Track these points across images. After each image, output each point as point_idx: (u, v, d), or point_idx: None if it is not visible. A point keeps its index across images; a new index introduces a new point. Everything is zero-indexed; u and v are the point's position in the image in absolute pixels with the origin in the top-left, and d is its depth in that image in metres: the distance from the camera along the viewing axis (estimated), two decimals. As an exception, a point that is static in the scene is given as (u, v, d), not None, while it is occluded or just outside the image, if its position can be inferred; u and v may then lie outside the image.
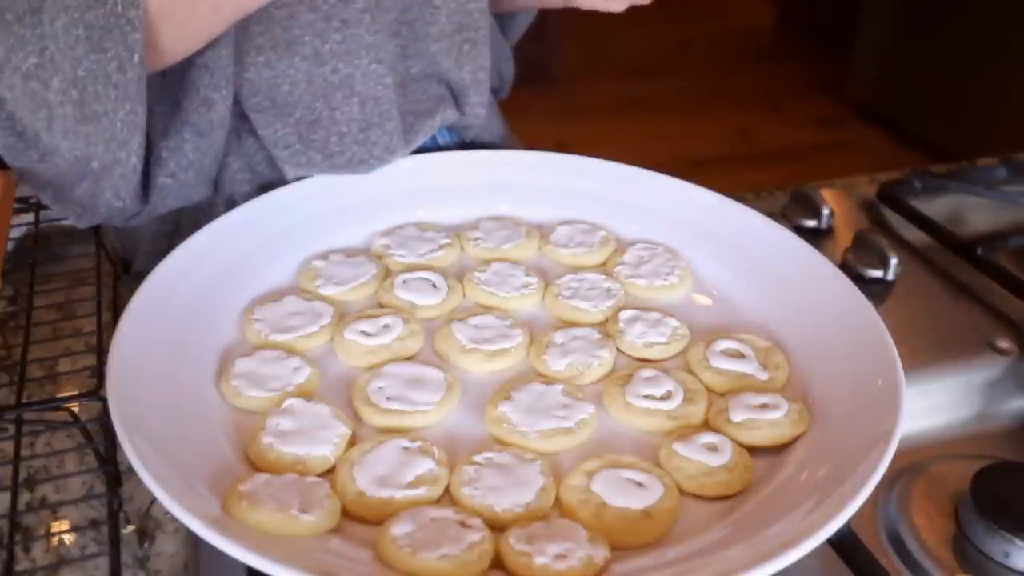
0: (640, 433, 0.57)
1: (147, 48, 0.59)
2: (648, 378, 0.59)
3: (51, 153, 0.61)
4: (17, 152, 0.62)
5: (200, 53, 0.66)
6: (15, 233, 0.72)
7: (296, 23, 0.70)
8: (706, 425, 0.57)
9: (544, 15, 0.97)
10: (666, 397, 0.58)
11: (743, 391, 0.58)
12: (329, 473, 0.52)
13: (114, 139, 0.60)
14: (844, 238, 0.82)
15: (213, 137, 0.69)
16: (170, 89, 0.68)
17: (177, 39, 0.61)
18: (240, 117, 0.72)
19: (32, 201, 0.74)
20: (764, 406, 0.56)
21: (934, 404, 0.68)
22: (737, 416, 0.55)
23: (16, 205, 0.70)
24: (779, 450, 0.55)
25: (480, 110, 0.82)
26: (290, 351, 0.60)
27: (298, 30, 0.70)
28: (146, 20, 0.58)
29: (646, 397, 0.57)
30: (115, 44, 0.57)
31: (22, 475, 0.57)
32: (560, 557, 0.45)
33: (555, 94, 3.20)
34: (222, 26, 0.63)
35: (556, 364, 0.60)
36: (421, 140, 0.78)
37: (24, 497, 0.56)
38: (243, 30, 0.69)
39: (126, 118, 0.60)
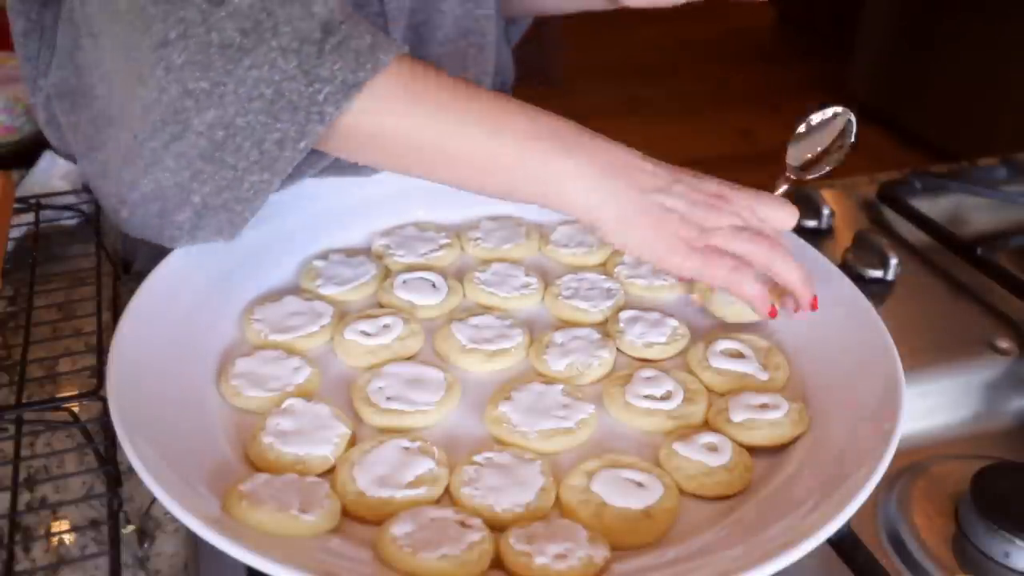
0: (640, 433, 0.57)
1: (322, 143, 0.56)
2: (648, 378, 0.59)
3: (140, 176, 0.59)
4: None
5: None
6: (15, 233, 0.72)
7: None
8: (706, 425, 0.57)
9: (543, 16, 0.97)
10: (666, 397, 0.58)
11: (743, 391, 0.58)
12: (329, 473, 0.52)
13: (233, 192, 0.57)
14: (844, 238, 0.82)
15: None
16: None
17: (350, 157, 0.59)
18: None
19: (32, 201, 0.74)
20: (764, 406, 0.56)
21: (934, 404, 0.68)
22: (737, 416, 0.55)
23: (16, 205, 0.70)
24: (779, 450, 0.55)
25: None
26: (290, 351, 0.60)
27: None
28: (342, 128, 0.55)
29: (646, 397, 0.57)
30: (291, 123, 0.54)
31: (22, 475, 0.57)
32: (560, 557, 0.45)
33: (555, 95, 3.20)
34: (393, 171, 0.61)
35: (556, 364, 0.60)
36: None
37: (24, 497, 0.56)
38: None
39: (257, 184, 0.57)
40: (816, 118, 0.67)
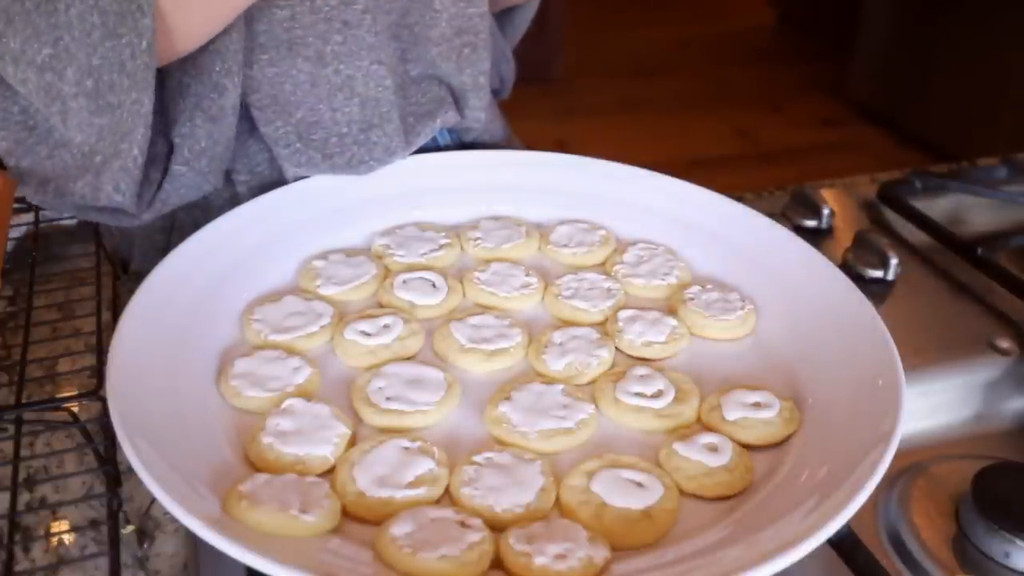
0: (640, 433, 0.57)
1: (160, 36, 0.58)
2: (642, 376, 0.59)
3: (61, 147, 0.61)
4: (27, 148, 0.61)
5: (211, 39, 0.65)
6: (15, 233, 0.72)
7: (298, 24, 0.70)
8: (699, 423, 0.57)
9: (544, 15, 0.97)
10: (657, 395, 0.58)
11: (733, 389, 0.58)
12: (329, 473, 0.52)
13: (119, 130, 0.60)
14: (844, 238, 0.82)
15: (225, 124, 0.69)
16: (181, 75, 0.68)
17: (188, 25, 0.61)
18: (242, 117, 0.72)
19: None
20: (757, 404, 0.56)
21: (934, 404, 0.68)
22: (731, 414, 0.55)
23: (16, 205, 0.70)
24: (779, 450, 0.55)
25: (480, 114, 0.82)
26: (290, 351, 0.60)
27: (300, 31, 0.70)
28: (157, 5, 0.57)
29: (636, 395, 0.57)
30: (128, 30, 0.56)
31: (22, 475, 0.57)
32: (560, 557, 0.45)
33: (555, 94, 3.20)
34: (233, 12, 0.63)
35: (555, 364, 0.60)
36: (421, 142, 0.78)
37: (24, 497, 0.56)
38: (247, 28, 0.69)
39: (132, 107, 0.59)
40: None
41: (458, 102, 0.81)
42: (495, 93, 0.93)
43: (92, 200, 0.63)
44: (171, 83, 0.67)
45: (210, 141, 0.68)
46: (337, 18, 0.70)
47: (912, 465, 0.61)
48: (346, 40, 0.71)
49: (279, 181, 0.74)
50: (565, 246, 0.73)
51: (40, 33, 0.56)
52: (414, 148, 0.78)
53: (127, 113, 0.59)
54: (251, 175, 0.75)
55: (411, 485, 0.50)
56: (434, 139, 0.84)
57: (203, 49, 0.66)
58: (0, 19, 0.56)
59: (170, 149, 0.68)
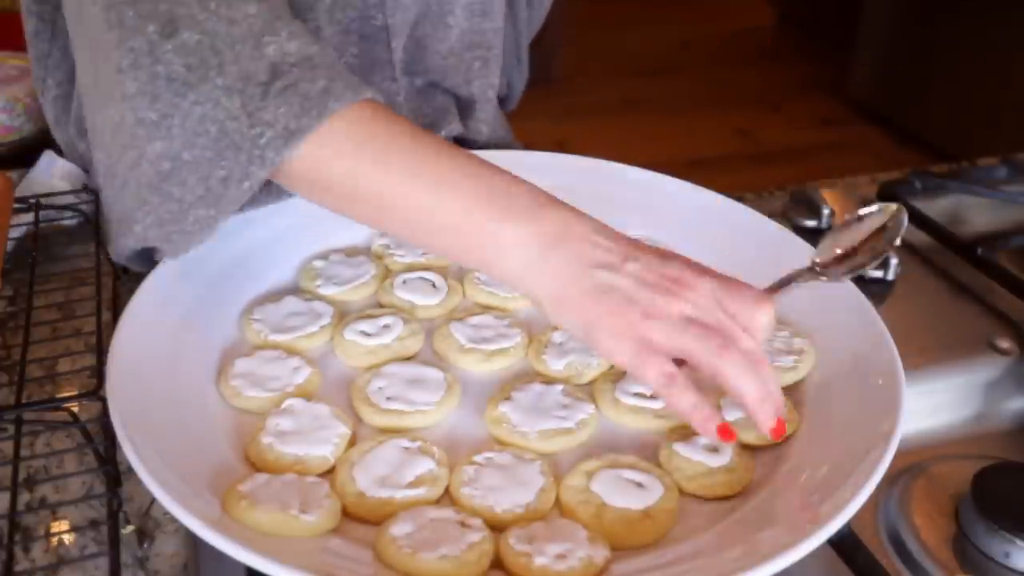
0: (640, 433, 0.57)
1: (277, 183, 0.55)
2: (642, 376, 0.59)
3: (118, 192, 0.58)
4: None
5: None
6: (15, 233, 0.72)
7: (319, 36, 0.69)
8: None
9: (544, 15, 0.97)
10: (655, 396, 0.57)
11: None
12: (329, 473, 0.52)
13: (177, 225, 0.56)
14: (844, 238, 0.82)
15: None
16: None
17: (317, 201, 0.57)
18: None
19: (32, 201, 0.74)
20: None
21: (934, 404, 0.68)
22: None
23: (16, 205, 0.70)
24: (779, 450, 0.55)
25: (483, 127, 0.82)
26: (290, 351, 0.60)
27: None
28: (287, 171, 0.53)
29: (635, 395, 0.57)
30: (234, 162, 0.53)
31: (22, 475, 0.57)
32: (560, 557, 0.45)
33: (555, 94, 3.20)
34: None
35: (555, 364, 0.60)
36: None
37: (24, 497, 0.56)
38: None
39: (201, 218, 0.55)
40: (864, 211, 0.58)
41: (463, 113, 0.81)
42: (501, 102, 0.92)
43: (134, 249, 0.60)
44: None
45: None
46: (355, 31, 0.70)
47: (912, 465, 0.61)
48: (361, 53, 0.71)
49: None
50: (565, 246, 0.73)
51: (156, 99, 0.53)
52: None
53: (194, 220, 0.55)
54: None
55: (411, 485, 0.50)
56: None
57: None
58: (127, 58, 0.53)
59: None
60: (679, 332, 0.48)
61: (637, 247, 0.51)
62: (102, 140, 0.58)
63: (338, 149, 0.53)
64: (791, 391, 0.59)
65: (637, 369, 0.48)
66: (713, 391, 0.59)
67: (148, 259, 0.61)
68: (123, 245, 0.59)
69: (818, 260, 0.57)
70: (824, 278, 0.56)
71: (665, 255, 0.51)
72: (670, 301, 0.48)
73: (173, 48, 0.52)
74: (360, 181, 0.53)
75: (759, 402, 0.48)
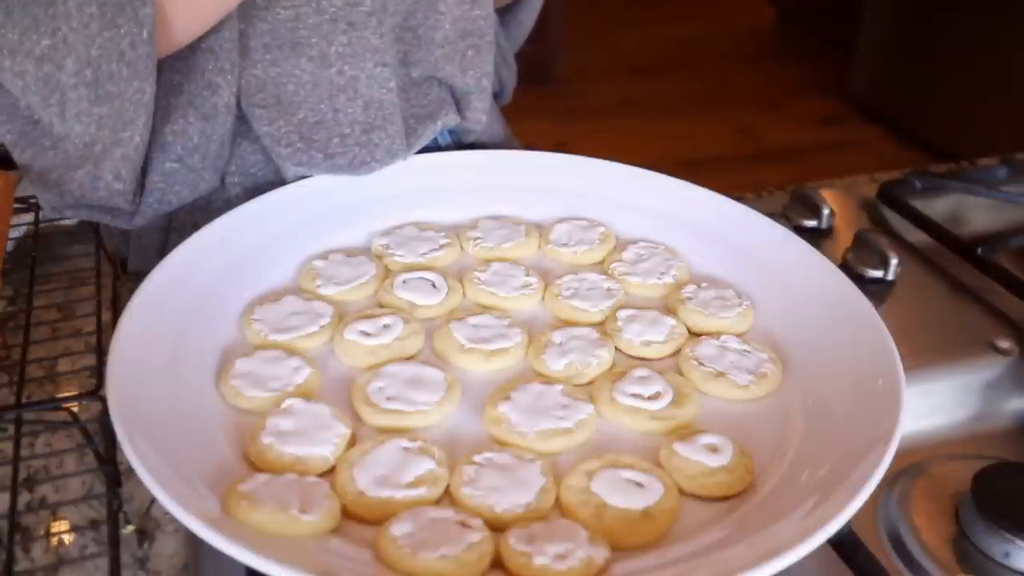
0: (640, 433, 0.57)
1: (157, 28, 0.58)
2: (641, 377, 0.59)
3: (63, 139, 0.61)
4: (31, 139, 0.61)
5: (204, 37, 0.65)
6: (15, 233, 0.72)
7: (302, 24, 0.70)
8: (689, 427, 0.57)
9: (544, 15, 0.97)
10: (654, 397, 0.57)
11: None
12: (329, 473, 0.52)
13: (120, 118, 0.60)
14: (844, 238, 0.82)
15: (218, 122, 0.69)
16: (174, 72, 0.68)
17: (186, 17, 0.61)
18: (236, 119, 0.72)
19: (32, 201, 0.74)
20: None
21: (934, 404, 0.68)
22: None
23: (16, 205, 0.70)
24: (779, 450, 0.55)
25: (481, 116, 0.82)
26: (290, 351, 0.60)
27: (304, 31, 0.70)
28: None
29: (633, 395, 0.57)
30: (127, 20, 0.57)
31: (22, 475, 0.57)
32: (560, 557, 0.45)
33: (555, 94, 3.20)
34: (230, 5, 0.63)
35: (555, 364, 0.60)
36: (422, 144, 0.78)
37: (24, 497, 0.56)
38: (250, 27, 0.69)
39: (134, 96, 0.59)
40: None
41: (459, 104, 0.81)
42: (495, 97, 0.93)
43: (91, 190, 0.63)
44: (163, 80, 0.67)
45: (203, 138, 0.68)
46: (343, 19, 0.70)
47: (912, 465, 0.61)
48: (351, 41, 0.71)
49: (273, 183, 0.74)
50: (565, 245, 0.73)
51: (39, 24, 0.56)
52: (415, 150, 0.78)
53: (128, 102, 0.59)
54: (244, 176, 0.75)
55: (411, 485, 0.50)
56: (434, 140, 0.84)
57: (195, 47, 0.66)
58: None
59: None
60: None
61: None
62: (32, 108, 0.60)
63: None
64: (792, 390, 0.59)
65: None
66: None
67: (143, 242, 0.63)
68: (65, 185, 0.62)
69: None
70: None
71: None
72: None
73: None
74: None
75: None
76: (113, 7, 0.56)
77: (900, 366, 0.56)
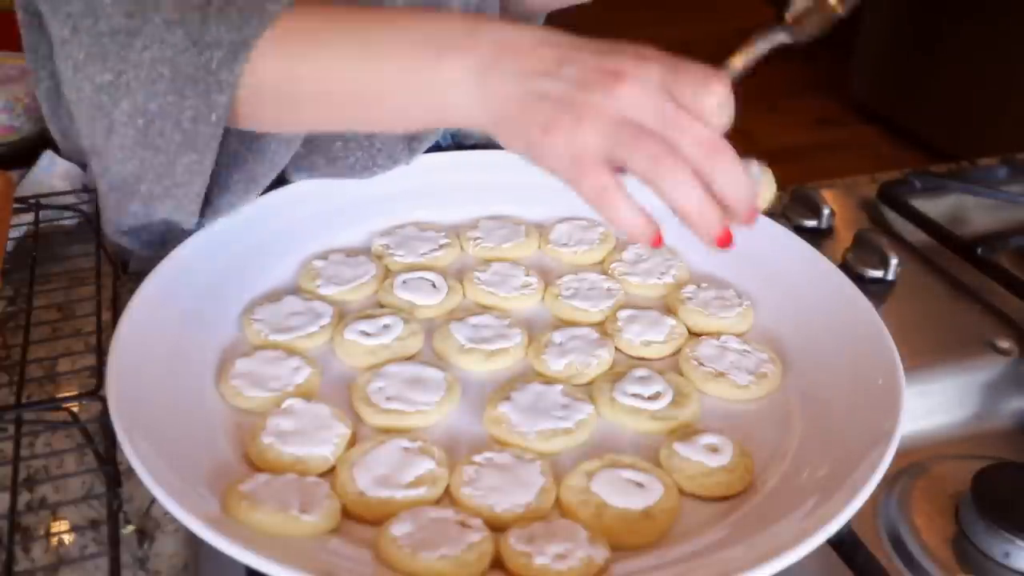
0: (640, 433, 0.57)
1: (234, 114, 0.54)
2: (641, 377, 0.59)
3: (108, 166, 0.59)
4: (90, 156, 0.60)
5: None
6: (15, 233, 0.72)
7: None
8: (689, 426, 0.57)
9: (544, 17, 0.97)
10: (654, 398, 0.57)
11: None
12: (329, 473, 0.52)
13: (171, 178, 0.57)
14: (844, 238, 0.82)
15: (263, 182, 0.67)
16: (238, 144, 0.64)
17: (267, 123, 0.58)
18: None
19: (32, 201, 0.74)
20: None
21: (934, 404, 0.68)
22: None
23: (16, 205, 0.70)
24: (779, 450, 0.55)
25: None
26: (290, 351, 0.60)
27: None
28: (240, 93, 0.53)
29: (633, 395, 0.57)
30: (196, 97, 0.53)
31: (22, 475, 0.57)
32: (560, 557, 0.45)
33: (555, 94, 3.19)
34: (299, 131, 0.60)
35: (555, 364, 0.60)
36: (424, 148, 0.78)
37: (24, 497, 0.56)
38: None
39: (189, 165, 0.56)
40: None
41: None
42: None
43: (146, 220, 0.61)
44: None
45: (244, 195, 0.67)
46: None
47: (912, 465, 0.61)
48: None
49: (274, 184, 0.74)
50: (565, 245, 0.73)
51: (106, 57, 0.53)
52: (418, 155, 0.78)
53: (183, 168, 0.56)
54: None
55: (411, 485, 0.50)
56: (435, 142, 0.84)
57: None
58: (67, 25, 0.53)
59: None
60: (612, 138, 0.44)
61: (581, 47, 0.47)
62: (78, 117, 0.58)
63: (288, 51, 0.51)
64: (792, 390, 0.59)
65: (572, 183, 0.45)
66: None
67: (143, 238, 0.62)
68: (123, 211, 0.59)
69: (788, 14, 0.54)
70: (790, 33, 0.54)
71: (609, 49, 0.46)
72: (606, 100, 0.44)
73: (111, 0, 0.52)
74: (313, 77, 0.51)
75: (696, 214, 0.46)
76: (187, 79, 0.52)
77: (900, 366, 0.56)
